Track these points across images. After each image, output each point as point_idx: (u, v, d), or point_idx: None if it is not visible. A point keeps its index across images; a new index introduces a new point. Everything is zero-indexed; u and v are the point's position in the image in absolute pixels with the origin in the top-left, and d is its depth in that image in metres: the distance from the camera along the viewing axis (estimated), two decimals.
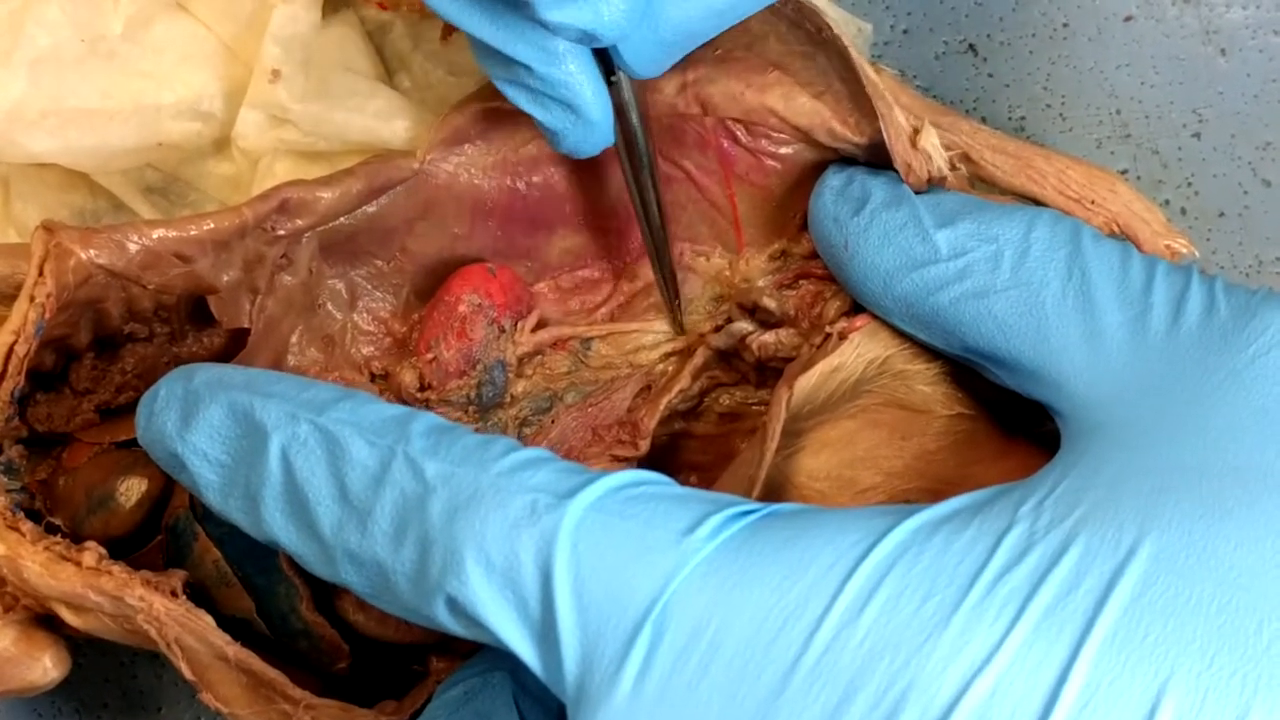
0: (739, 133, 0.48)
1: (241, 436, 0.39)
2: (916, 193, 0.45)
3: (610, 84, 0.44)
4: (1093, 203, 0.46)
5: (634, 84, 0.45)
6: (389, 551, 0.36)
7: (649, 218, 0.48)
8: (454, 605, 0.36)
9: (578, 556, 0.34)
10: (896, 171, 0.45)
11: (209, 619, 0.42)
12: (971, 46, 0.56)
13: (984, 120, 0.55)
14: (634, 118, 0.45)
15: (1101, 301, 0.40)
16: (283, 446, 0.38)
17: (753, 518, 0.35)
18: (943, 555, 0.33)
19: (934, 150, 0.45)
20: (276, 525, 0.38)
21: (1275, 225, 0.54)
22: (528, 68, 0.42)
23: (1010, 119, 0.55)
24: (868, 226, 0.43)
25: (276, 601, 0.45)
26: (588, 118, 0.43)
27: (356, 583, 0.38)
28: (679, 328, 0.51)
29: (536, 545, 0.34)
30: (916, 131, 0.45)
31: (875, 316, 0.45)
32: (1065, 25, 0.55)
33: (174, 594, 0.42)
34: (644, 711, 0.33)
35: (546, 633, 0.34)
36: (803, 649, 0.32)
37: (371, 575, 0.37)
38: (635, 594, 0.33)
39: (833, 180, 0.45)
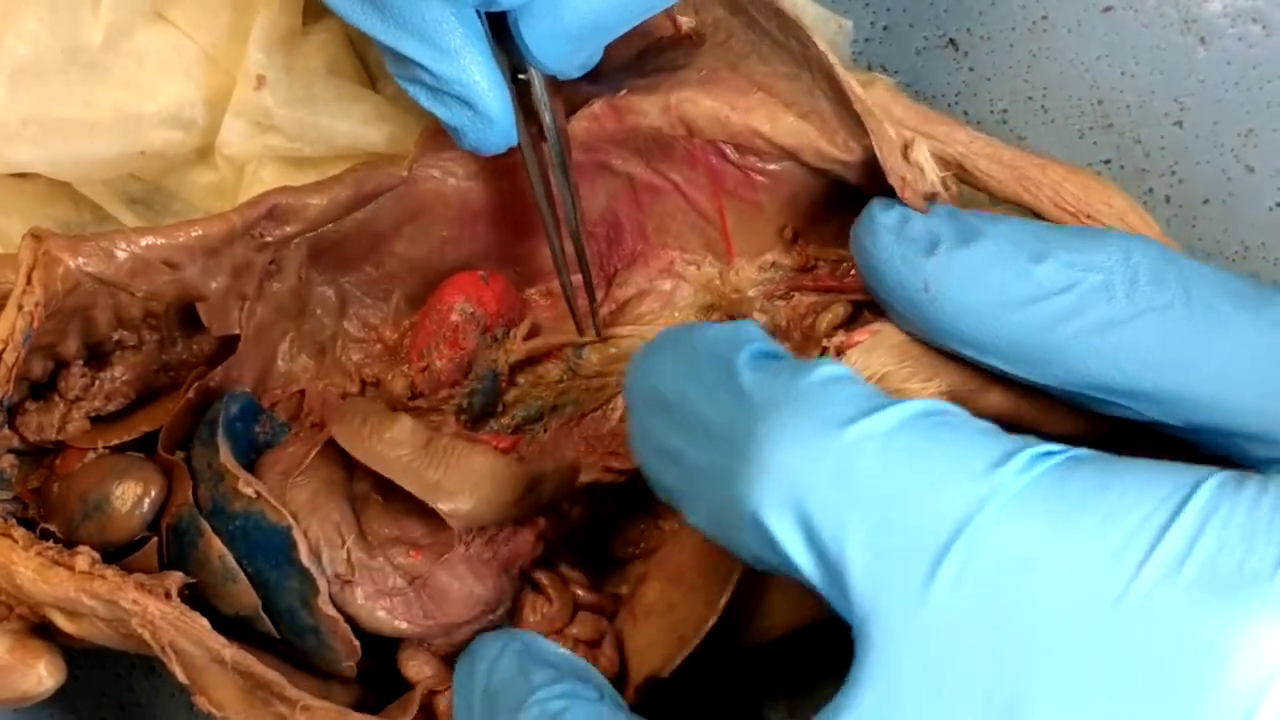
0: (727, 150, 0.48)
1: None
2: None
3: (519, 81, 0.44)
4: (1088, 216, 0.46)
5: (548, 83, 0.45)
6: (700, 450, 0.38)
7: (556, 219, 0.47)
8: (742, 512, 0.36)
9: (878, 472, 0.34)
10: (947, 203, 0.44)
11: (204, 622, 0.42)
12: (952, 41, 0.56)
13: (966, 114, 0.55)
14: (547, 116, 0.45)
15: (1225, 314, 0.39)
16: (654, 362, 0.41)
17: (1057, 459, 0.35)
18: (1253, 514, 0.33)
19: (926, 164, 0.44)
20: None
21: (1260, 211, 0.54)
22: (422, 65, 0.42)
23: (992, 112, 0.56)
24: (948, 266, 0.41)
25: (287, 596, 0.44)
26: (486, 114, 0.43)
27: (673, 483, 0.39)
28: (595, 331, 0.50)
29: (834, 457, 0.35)
30: (908, 146, 0.44)
31: (872, 333, 0.44)
32: (1044, 18, 0.55)
33: (168, 596, 0.42)
34: (945, 637, 0.33)
35: (834, 548, 0.34)
36: (1123, 592, 0.32)
37: (686, 475, 0.39)
38: (941, 517, 0.34)
39: (884, 219, 0.43)
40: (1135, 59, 0.55)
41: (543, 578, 0.48)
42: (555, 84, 0.46)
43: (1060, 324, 0.40)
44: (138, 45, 0.50)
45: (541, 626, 0.47)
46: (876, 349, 0.45)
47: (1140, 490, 0.34)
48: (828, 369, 0.37)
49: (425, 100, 0.44)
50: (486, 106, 0.43)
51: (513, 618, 0.47)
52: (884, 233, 0.43)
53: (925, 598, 0.33)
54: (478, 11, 0.42)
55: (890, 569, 0.34)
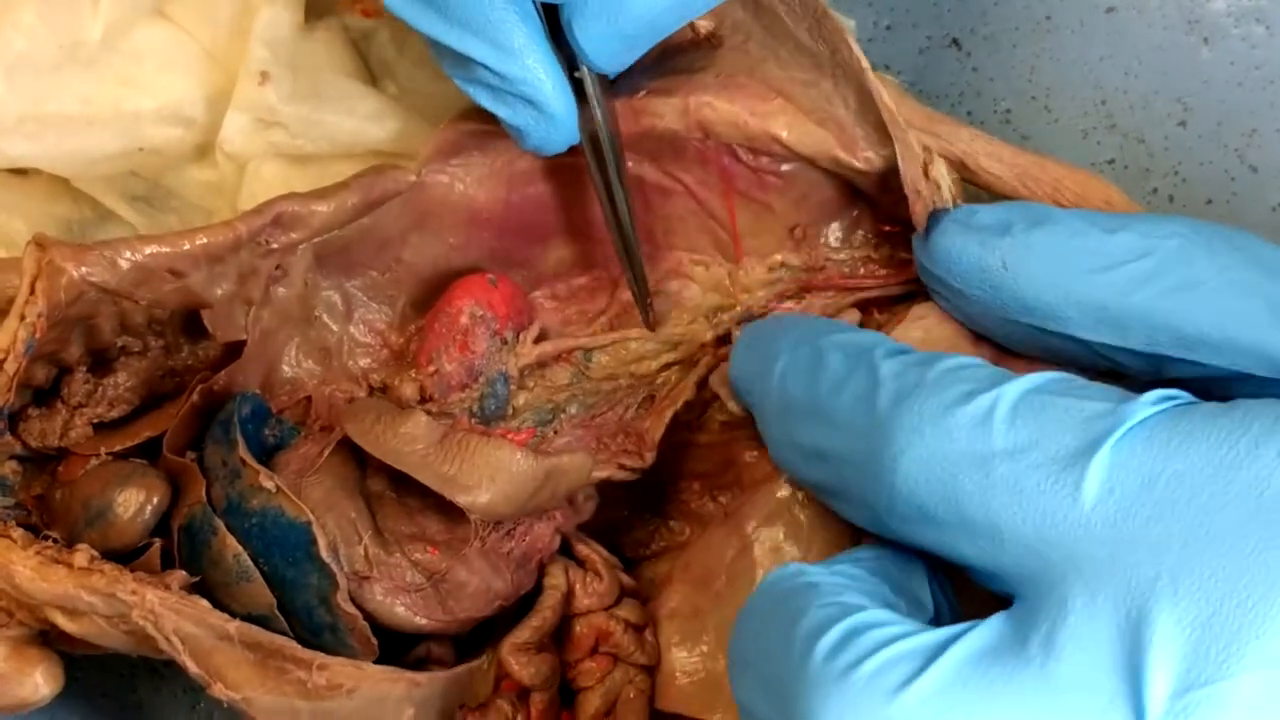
0: (740, 151, 0.48)
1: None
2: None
3: (573, 80, 0.44)
4: None
5: (598, 81, 0.45)
6: (844, 441, 0.40)
7: (618, 216, 0.47)
8: (893, 491, 0.38)
9: (1015, 424, 0.36)
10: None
11: (204, 603, 0.42)
12: (955, 41, 0.56)
13: (969, 114, 0.55)
14: (599, 114, 0.45)
15: None
16: (783, 367, 0.43)
17: (1182, 400, 0.36)
18: None
19: (944, 181, 0.45)
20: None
21: (1263, 210, 0.54)
22: (486, 66, 0.42)
23: (996, 112, 0.56)
24: (1027, 242, 0.43)
25: (305, 593, 0.44)
26: (550, 113, 0.43)
27: (823, 479, 0.41)
28: (650, 326, 0.50)
29: (970, 419, 0.37)
30: (928, 163, 0.45)
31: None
32: (1048, 18, 0.55)
33: (167, 588, 0.42)
34: (1101, 535, 0.34)
35: (979, 503, 0.36)
36: (1262, 487, 0.33)
37: (834, 469, 0.40)
38: (1075, 447, 0.35)
39: (950, 215, 0.44)
40: (1139, 59, 0.55)
41: (592, 554, 0.48)
42: (607, 83, 0.46)
43: (1143, 286, 0.41)
44: (137, 42, 0.50)
45: (593, 604, 0.47)
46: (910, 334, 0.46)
47: (1259, 410, 0.35)
48: (953, 360, 0.39)
49: (486, 101, 0.44)
50: (551, 106, 0.43)
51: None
52: (951, 224, 0.44)
53: (1076, 505, 0.34)
54: (537, 10, 0.42)
55: (1040, 492, 0.35)
